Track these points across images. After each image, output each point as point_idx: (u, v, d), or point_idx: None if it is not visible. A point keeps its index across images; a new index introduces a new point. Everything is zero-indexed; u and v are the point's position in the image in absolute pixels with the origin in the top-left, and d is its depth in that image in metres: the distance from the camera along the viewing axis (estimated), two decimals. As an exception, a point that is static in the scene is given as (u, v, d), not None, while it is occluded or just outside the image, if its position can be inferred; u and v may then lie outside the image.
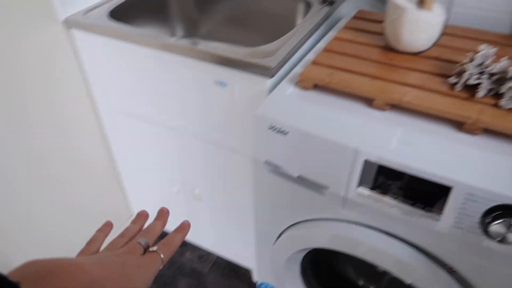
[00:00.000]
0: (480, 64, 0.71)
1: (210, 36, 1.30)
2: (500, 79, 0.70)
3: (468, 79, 0.71)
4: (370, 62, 0.82)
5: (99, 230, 0.47)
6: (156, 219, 0.49)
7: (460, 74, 0.73)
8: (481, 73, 0.70)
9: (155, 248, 0.44)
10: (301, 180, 0.77)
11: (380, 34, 0.89)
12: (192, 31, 1.31)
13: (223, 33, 1.28)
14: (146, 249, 0.44)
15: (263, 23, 1.23)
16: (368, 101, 0.75)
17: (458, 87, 0.72)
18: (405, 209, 0.68)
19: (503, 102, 0.68)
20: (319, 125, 0.71)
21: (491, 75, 0.70)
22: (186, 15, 1.29)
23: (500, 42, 0.86)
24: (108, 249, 0.44)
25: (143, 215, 0.50)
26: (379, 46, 0.87)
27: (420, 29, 0.79)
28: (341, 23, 1.00)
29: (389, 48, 0.86)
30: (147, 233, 0.46)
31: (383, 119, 0.72)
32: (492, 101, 0.69)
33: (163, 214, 0.50)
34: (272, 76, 0.82)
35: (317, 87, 0.80)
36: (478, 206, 0.60)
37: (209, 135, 1.02)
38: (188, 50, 0.87)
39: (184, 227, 0.48)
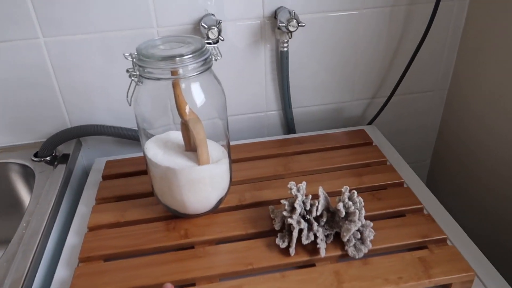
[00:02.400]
0: (302, 214, 0.53)
1: None
2: (329, 221, 0.54)
3: (299, 239, 0.52)
4: (158, 258, 0.54)
5: None
6: None
7: (283, 230, 0.54)
8: (309, 222, 0.53)
9: None
10: None
11: (150, 194, 0.62)
12: None
13: None
14: None
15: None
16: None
17: (292, 251, 0.52)
18: None
19: (351, 252, 0.52)
20: None
21: (318, 219, 0.54)
22: None
23: (282, 151, 0.74)
24: None
25: None
26: (160, 216, 0.60)
27: (208, 185, 0.57)
28: (90, 191, 0.69)
29: (175, 215, 0.60)
30: None
31: None
32: (338, 252, 0.52)
33: None
34: None
35: None
36: None
37: None
38: None
39: None
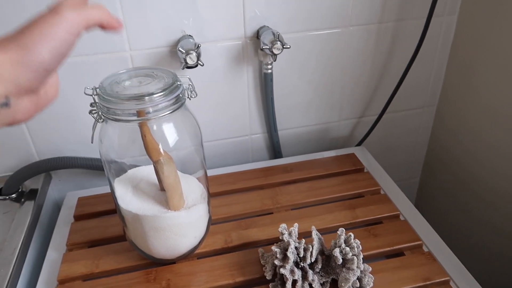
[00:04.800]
0: (296, 261, 0.49)
1: None
2: (325, 266, 0.50)
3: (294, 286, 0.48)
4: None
5: None
6: None
7: (275, 279, 0.50)
8: (304, 270, 0.48)
9: None
10: None
11: (123, 237, 0.57)
12: None
13: None
14: None
15: None
16: None
17: (286, 303, 0.48)
18: None
19: (350, 302, 0.47)
20: None
21: (313, 265, 0.49)
22: None
23: (268, 181, 0.69)
24: None
25: None
26: (138, 264, 0.55)
27: (175, 234, 0.51)
28: (61, 232, 0.62)
29: (153, 261, 0.54)
30: None
31: None
32: (336, 303, 0.48)
33: None
34: None
35: None
36: None
37: None
38: None
39: None
